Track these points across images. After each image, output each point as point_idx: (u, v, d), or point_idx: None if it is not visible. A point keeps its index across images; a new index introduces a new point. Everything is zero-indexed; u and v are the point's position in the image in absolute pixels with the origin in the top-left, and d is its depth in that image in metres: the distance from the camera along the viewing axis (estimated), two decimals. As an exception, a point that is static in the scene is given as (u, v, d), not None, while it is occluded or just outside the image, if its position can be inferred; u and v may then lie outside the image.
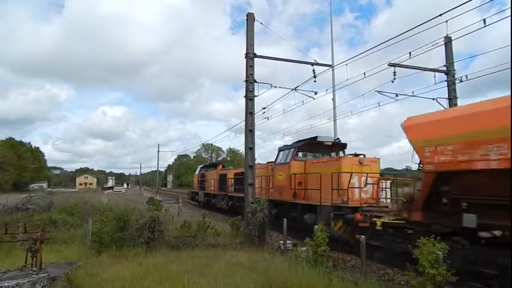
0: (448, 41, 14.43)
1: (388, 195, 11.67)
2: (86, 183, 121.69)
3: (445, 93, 15.18)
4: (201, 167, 33.08)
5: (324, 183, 11.60)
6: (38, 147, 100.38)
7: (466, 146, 6.85)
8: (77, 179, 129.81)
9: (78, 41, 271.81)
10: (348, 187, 10.81)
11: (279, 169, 15.24)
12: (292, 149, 14.57)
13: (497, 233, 6.45)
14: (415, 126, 8.22)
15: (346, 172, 11.15)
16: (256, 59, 13.63)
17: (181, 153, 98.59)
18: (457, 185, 7.23)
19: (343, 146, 14.78)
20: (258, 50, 13.46)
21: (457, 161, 7.00)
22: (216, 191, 24.98)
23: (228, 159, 74.72)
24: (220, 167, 28.89)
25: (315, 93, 14.93)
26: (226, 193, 22.44)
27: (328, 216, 10.89)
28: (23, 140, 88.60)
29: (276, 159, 15.84)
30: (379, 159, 12.28)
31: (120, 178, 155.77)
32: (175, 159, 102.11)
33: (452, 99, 14.95)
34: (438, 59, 15.52)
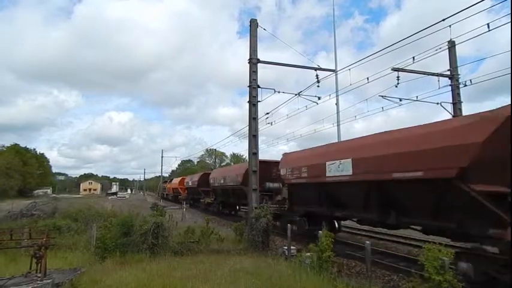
0: (451, 46, 14.38)
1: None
2: (90, 189, 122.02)
3: (450, 97, 15.13)
4: (163, 182, 68.65)
5: (174, 189, 48.81)
6: (43, 154, 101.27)
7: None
8: (81, 184, 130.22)
9: (85, 47, 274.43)
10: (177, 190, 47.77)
11: (166, 184, 60.98)
12: (169, 179, 65.76)
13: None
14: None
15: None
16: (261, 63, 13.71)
17: (185, 159, 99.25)
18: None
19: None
20: (267, 55, 13.88)
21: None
22: (168, 192, 57.30)
23: (232, 164, 74.78)
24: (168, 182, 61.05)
25: (319, 98, 15.00)
26: (166, 192, 58.67)
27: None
28: (28, 147, 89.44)
29: (167, 181, 64.23)
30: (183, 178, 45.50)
31: (124, 183, 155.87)
32: (179, 165, 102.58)
33: (456, 104, 14.88)
34: (446, 62, 15.43)
